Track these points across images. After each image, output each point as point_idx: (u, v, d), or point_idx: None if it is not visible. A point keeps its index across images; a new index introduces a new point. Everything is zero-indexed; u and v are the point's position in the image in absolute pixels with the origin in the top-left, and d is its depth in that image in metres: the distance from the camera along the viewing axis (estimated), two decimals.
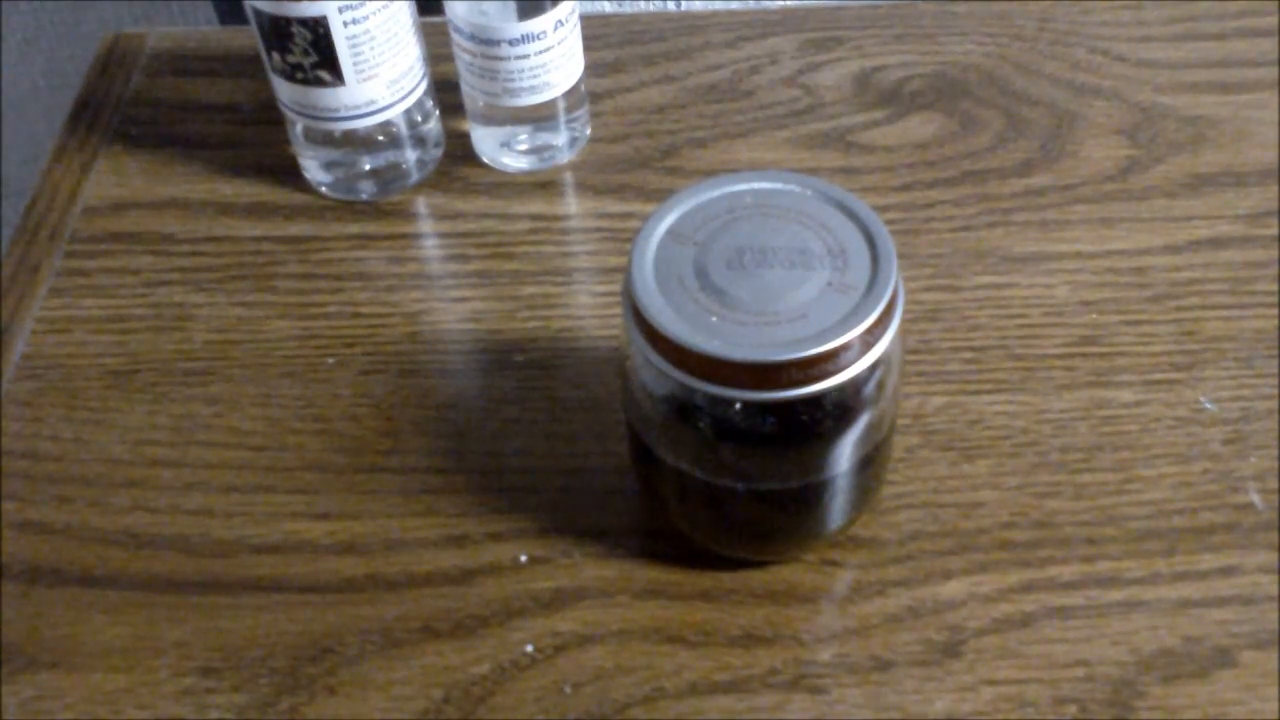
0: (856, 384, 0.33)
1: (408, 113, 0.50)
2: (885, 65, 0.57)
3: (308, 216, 0.51)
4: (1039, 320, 0.45)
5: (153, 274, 0.49)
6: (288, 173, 0.53)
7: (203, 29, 0.63)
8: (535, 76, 0.49)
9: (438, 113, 0.52)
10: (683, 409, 0.34)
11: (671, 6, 0.84)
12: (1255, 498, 0.40)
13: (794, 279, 0.33)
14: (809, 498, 0.36)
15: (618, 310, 0.33)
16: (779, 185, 0.35)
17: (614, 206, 0.51)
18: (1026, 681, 0.36)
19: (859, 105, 0.55)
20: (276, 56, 0.47)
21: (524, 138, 0.52)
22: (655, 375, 0.33)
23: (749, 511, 0.37)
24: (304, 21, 0.45)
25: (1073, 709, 0.35)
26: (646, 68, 0.57)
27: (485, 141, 0.53)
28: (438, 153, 0.53)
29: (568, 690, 0.36)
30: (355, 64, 0.47)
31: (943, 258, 0.48)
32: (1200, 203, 0.49)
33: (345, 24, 0.46)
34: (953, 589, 0.38)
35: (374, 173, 0.51)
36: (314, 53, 0.46)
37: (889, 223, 0.34)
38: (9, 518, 0.41)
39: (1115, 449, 0.41)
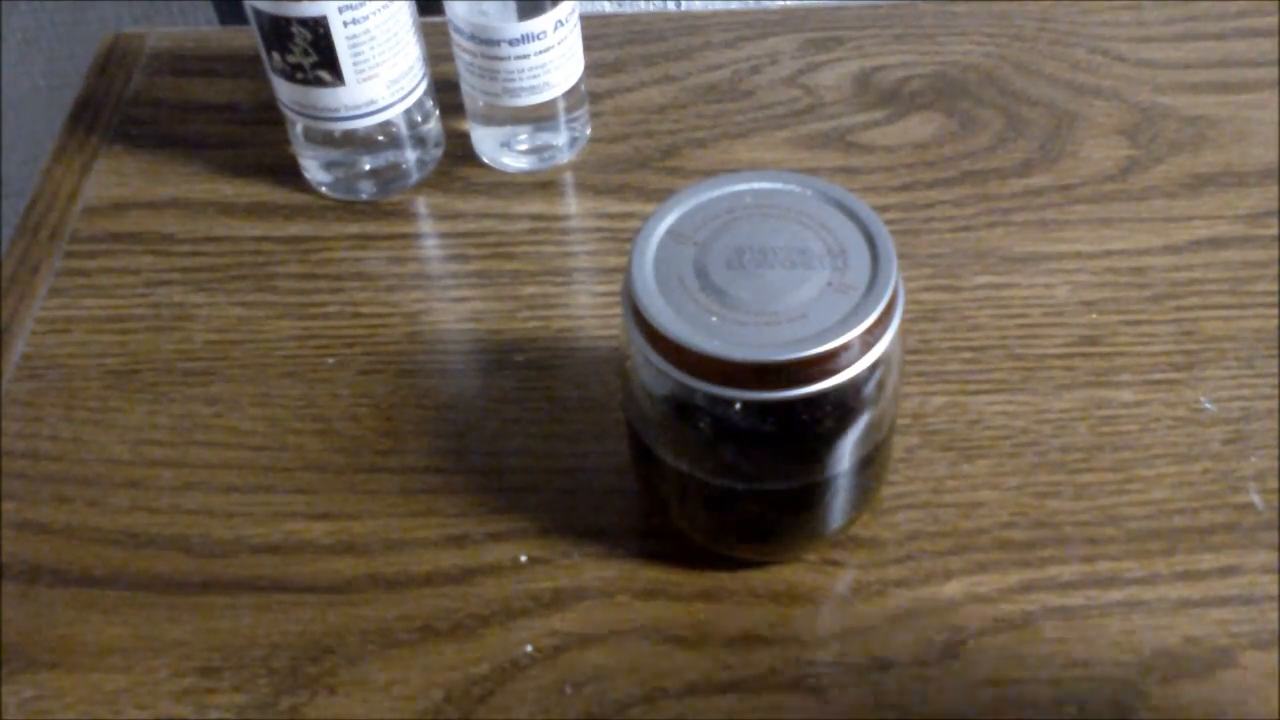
0: (856, 384, 0.33)
1: (408, 113, 0.50)
2: (885, 65, 0.57)
3: (308, 216, 0.51)
4: (1039, 320, 0.45)
5: (153, 274, 0.49)
6: (288, 173, 0.53)
7: (203, 29, 0.63)
8: (535, 76, 0.49)
9: (438, 113, 0.52)
10: (683, 409, 0.34)
11: (671, 6, 0.84)
12: (1255, 498, 0.40)
13: (794, 279, 0.33)
14: (809, 498, 0.36)
15: (618, 310, 0.33)
16: (779, 185, 0.35)
17: (614, 206, 0.51)
18: (1026, 681, 0.36)
19: (859, 105, 0.55)
20: (276, 56, 0.47)
21: (524, 138, 0.52)
22: (655, 375, 0.33)
23: (749, 511, 0.37)
24: (304, 21, 0.45)
25: (1073, 709, 0.35)
26: (646, 68, 0.57)
27: (485, 141, 0.53)
28: (438, 153, 0.53)
29: (568, 690, 0.36)
30: (355, 64, 0.47)
31: (943, 258, 0.48)
32: (1200, 203, 0.49)
33: (345, 24, 0.46)
34: (953, 589, 0.38)
35: (374, 173, 0.51)
36: (314, 53, 0.46)
37: (889, 223, 0.34)
38: (9, 518, 0.41)
39: (1115, 449, 0.41)
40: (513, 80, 0.49)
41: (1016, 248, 0.48)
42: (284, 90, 0.49)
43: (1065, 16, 0.59)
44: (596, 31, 0.58)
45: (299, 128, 0.50)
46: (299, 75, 0.47)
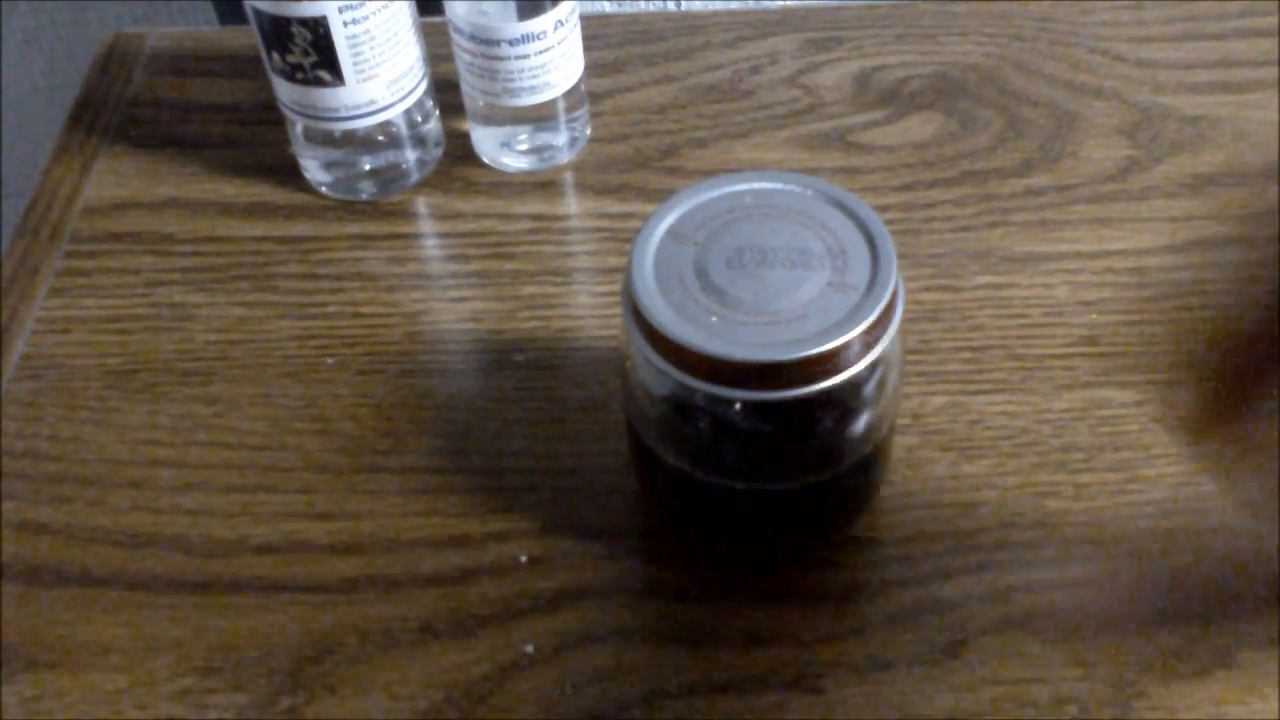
0: (856, 384, 0.33)
1: (408, 113, 0.50)
2: (885, 65, 0.57)
3: (308, 216, 0.51)
4: (1039, 320, 0.45)
5: (153, 274, 0.49)
6: (288, 173, 0.53)
7: (203, 29, 0.63)
8: (535, 76, 0.49)
9: (438, 113, 0.52)
10: (683, 409, 0.34)
11: (671, 6, 0.84)
12: None
13: (794, 279, 0.33)
14: (809, 498, 0.36)
15: (618, 310, 0.33)
16: (779, 185, 0.35)
17: (614, 206, 0.51)
18: (1026, 681, 0.36)
19: (859, 105, 0.55)
20: (276, 56, 0.47)
21: (524, 138, 0.52)
22: (655, 375, 0.33)
23: (749, 511, 0.37)
24: (304, 21, 0.45)
25: (1073, 709, 0.35)
26: (646, 68, 0.57)
27: (485, 141, 0.53)
28: (438, 153, 0.53)
29: (568, 690, 0.36)
30: (355, 64, 0.47)
31: (943, 258, 0.48)
32: (1200, 203, 0.49)
33: (345, 24, 0.46)
34: (953, 589, 0.38)
35: (374, 173, 0.51)
36: (314, 53, 0.46)
37: (889, 223, 0.34)
38: (9, 518, 0.41)
39: (1115, 449, 0.41)
40: (513, 80, 0.49)
41: (1016, 248, 0.48)
42: (284, 90, 0.49)
43: (1065, 16, 0.59)
44: (596, 31, 0.58)
45: (299, 128, 0.50)
46: (299, 75, 0.47)
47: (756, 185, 0.35)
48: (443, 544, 0.40)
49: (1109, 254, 0.48)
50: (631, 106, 0.55)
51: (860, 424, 0.34)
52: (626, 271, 0.33)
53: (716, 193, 0.35)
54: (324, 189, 0.52)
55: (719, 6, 0.65)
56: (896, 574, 0.39)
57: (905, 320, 0.33)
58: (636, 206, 0.51)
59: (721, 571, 0.39)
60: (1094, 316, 0.45)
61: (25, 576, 0.40)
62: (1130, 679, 0.36)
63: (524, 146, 0.52)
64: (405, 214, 0.51)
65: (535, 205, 0.51)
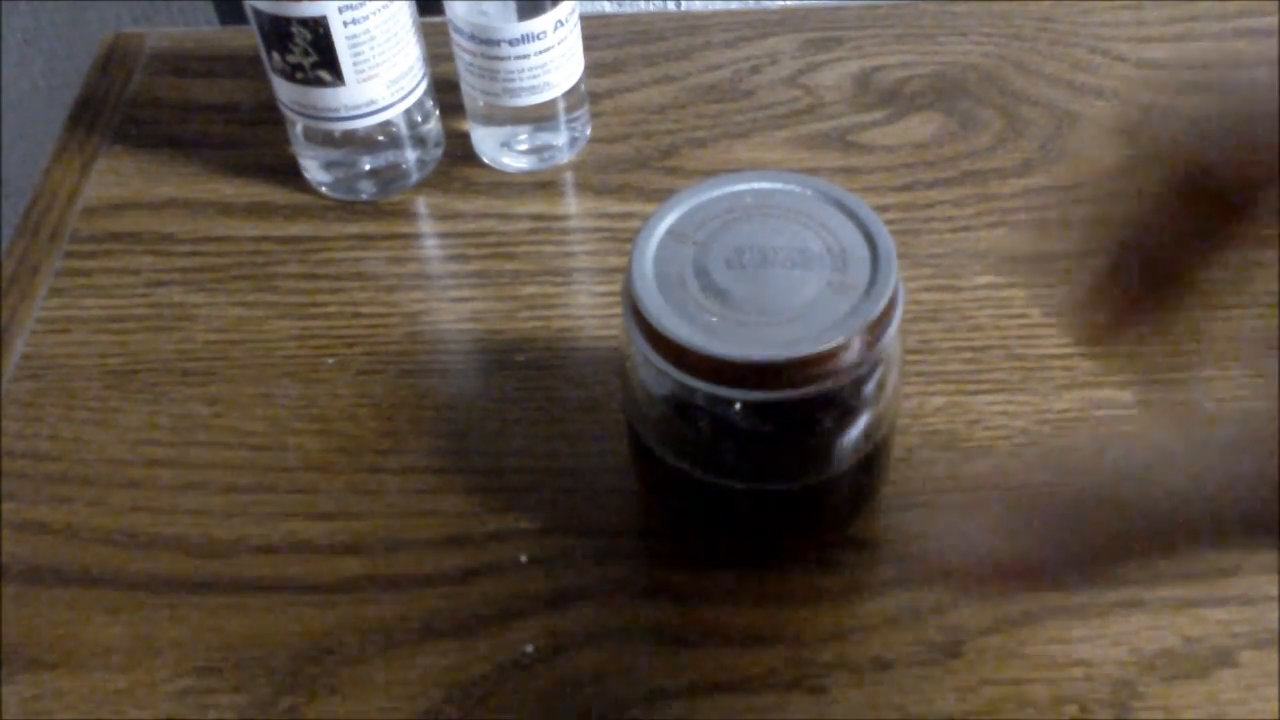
0: (856, 384, 0.33)
1: (408, 113, 0.50)
2: (885, 65, 0.57)
3: (308, 216, 0.51)
4: (1039, 320, 0.45)
5: (153, 274, 0.49)
6: (288, 173, 0.53)
7: (203, 29, 0.63)
8: (535, 76, 0.49)
9: (438, 113, 0.52)
10: (683, 409, 0.34)
11: (671, 6, 0.84)
12: None
13: (794, 279, 0.33)
14: (809, 498, 0.36)
15: (618, 310, 0.33)
16: (779, 185, 0.35)
17: (614, 206, 0.51)
18: (1026, 681, 0.36)
19: (859, 105, 0.55)
20: (276, 56, 0.47)
21: (524, 138, 0.52)
22: (655, 375, 0.33)
23: (749, 511, 0.37)
24: (304, 21, 0.45)
25: (1073, 709, 0.35)
26: (646, 68, 0.57)
27: (485, 141, 0.53)
28: (438, 153, 0.53)
29: (568, 690, 0.36)
30: (355, 64, 0.47)
31: (943, 258, 0.48)
32: None
33: (345, 24, 0.46)
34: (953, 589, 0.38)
35: (374, 173, 0.51)
36: (314, 53, 0.46)
37: (889, 223, 0.34)
38: (9, 518, 0.41)
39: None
40: (513, 80, 0.49)
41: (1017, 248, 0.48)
42: (284, 90, 0.49)
43: (1065, 16, 0.59)
44: (596, 31, 0.58)
45: (299, 128, 0.50)
46: (299, 75, 0.47)
47: (756, 185, 0.35)
48: (443, 544, 0.40)
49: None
50: (631, 106, 0.55)
51: (860, 424, 0.34)
52: (626, 271, 0.33)
53: (716, 193, 0.35)
54: (324, 189, 0.52)
55: (719, 6, 0.65)
56: (896, 574, 0.39)
57: (905, 320, 0.33)
58: (636, 206, 0.51)
59: (721, 571, 0.39)
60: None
61: (25, 576, 0.40)
62: (1130, 679, 0.36)
63: (524, 146, 0.52)
64: (405, 214, 0.51)
65: (535, 205, 0.51)
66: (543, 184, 0.52)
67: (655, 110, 0.55)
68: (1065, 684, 0.36)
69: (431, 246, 0.51)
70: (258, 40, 0.47)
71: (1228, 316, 0.27)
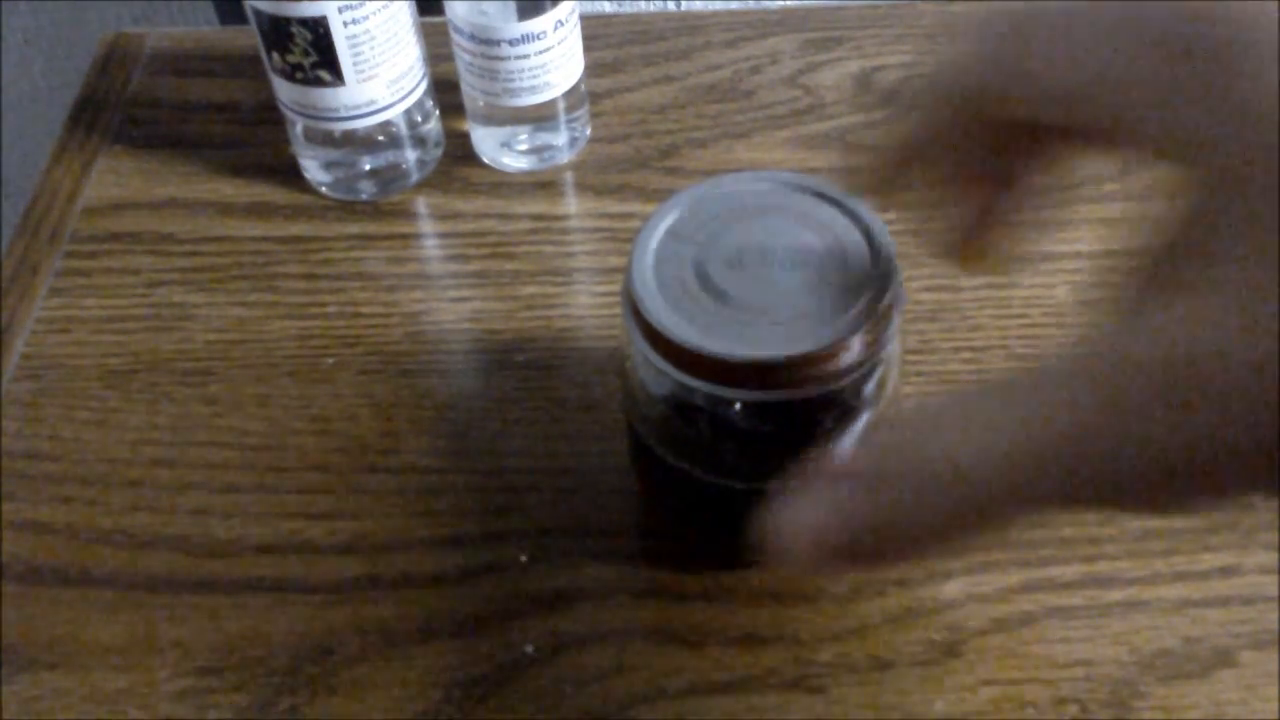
0: (856, 384, 0.33)
1: (408, 113, 0.50)
2: (885, 65, 0.56)
3: (308, 216, 0.51)
4: (1039, 320, 0.45)
5: (153, 274, 0.49)
6: (288, 173, 0.53)
7: (203, 29, 0.63)
8: (535, 76, 0.49)
9: (438, 113, 0.52)
10: (683, 409, 0.34)
11: (671, 6, 0.84)
12: (1255, 498, 0.40)
13: (794, 279, 0.33)
14: None
15: (618, 310, 0.33)
16: (779, 185, 0.35)
17: (614, 206, 0.51)
18: (1026, 681, 0.36)
19: (859, 105, 0.55)
20: (276, 56, 0.47)
21: (524, 138, 0.52)
22: (655, 375, 0.34)
23: (748, 511, 0.37)
24: (304, 21, 0.45)
25: (1073, 709, 0.35)
26: (646, 68, 0.57)
27: (485, 141, 0.53)
28: (438, 153, 0.53)
29: (568, 690, 0.36)
30: (355, 64, 0.47)
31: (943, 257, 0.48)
32: None
33: (345, 24, 0.46)
34: (953, 589, 0.38)
35: (374, 173, 0.51)
36: (314, 53, 0.46)
37: (889, 223, 0.34)
38: (9, 518, 0.41)
39: None
40: (513, 80, 0.49)
41: (1017, 248, 0.48)
42: (284, 90, 0.49)
43: None
44: (596, 31, 0.58)
45: (299, 128, 0.50)
46: (299, 75, 0.47)
47: (756, 185, 0.35)
48: (443, 544, 0.40)
49: (1109, 254, 0.48)
50: (631, 106, 0.55)
51: (860, 424, 0.34)
52: (626, 271, 0.33)
53: (716, 193, 0.35)
54: (324, 189, 0.52)
55: (719, 6, 0.65)
56: (896, 574, 0.39)
57: (905, 320, 0.33)
58: (636, 206, 0.51)
59: (721, 571, 0.39)
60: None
61: (25, 576, 0.40)
62: (1130, 679, 0.36)
63: (524, 146, 0.52)
64: (405, 214, 0.51)
65: (535, 205, 0.51)
66: (543, 184, 0.52)
67: (655, 110, 0.55)
68: (1065, 684, 0.36)
69: (431, 246, 0.51)
70: (258, 40, 0.47)
71: None
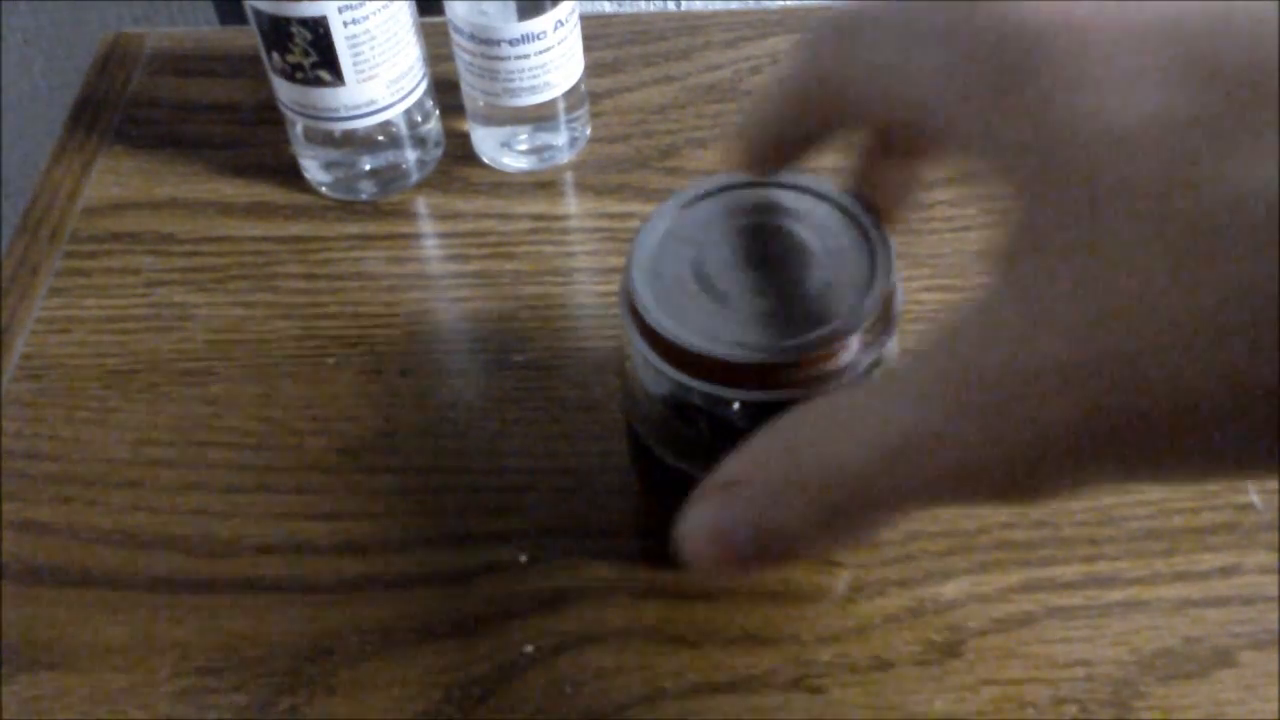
0: (855, 384, 0.33)
1: (408, 113, 0.50)
2: None
3: (308, 216, 0.51)
4: None
5: (153, 274, 0.49)
6: (288, 173, 0.53)
7: (203, 29, 0.63)
8: (535, 76, 0.49)
9: (438, 113, 0.52)
10: (682, 409, 0.34)
11: (671, 6, 0.84)
12: (1255, 498, 0.40)
13: (794, 279, 0.32)
14: None
15: (617, 310, 0.33)
16: (779, 185, 0.35)
17: (614, 206, 0.51)
18: (1026, 681, 0.36)
19: None
20: (276, 56, 0.47)
21: (524, 138, 0.52)
22: (655, 375, 0.33)
23: None
24: (304, 21, 0.45)
25: (1073, 709, 0.35)
26: (646, 68, 0.57)
27: (485, 141, 0.53)
28: (438, 153, 0.53)
29: (568, 690, 0.36)
30: (355, 64, 0.47)
31: (943, 258, 0.48)
32: None
33: (345, 24, 0.46)
34: (953, 589, 0.38)
35: (374, 173, 0.51)
36: (314, 53, 0.46)
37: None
38: (9, 518, 0.41)
39: None
40: (513, 80, 0.49)
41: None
42: (284, 90, 0.49)
43: None
44: (596, 31, 0.58)
45: (299, 128, 0.50)
46: (299, 75, 0.47)
47: (756, 185, 0.35)
48: (443, 544, 0.40)
49: None
50: (631, 106, 0.55)
51: None
52: (626, 271, 0.33)
53: (716, 193, 0.35)
54: (324, 189, 0.52)
55: (719, 6, 0.65)
56: (896, 574, 0.39)
57: (905, 320, 0.33)
58: (636, 206, 0.51)
59: None
60: None
61: (25, 576, 0.40)
62: (1130, 679, 0.36)
63: (524, 146, 0.52)
64: (405, 214, 0.51)
65: (535, 205, 0.51)
66: (543, 184, 0.52)
67: (655, 110, 0.55)
68: (1065, 684, 0.36)
69: (431, 246, 0.51)
70: (258, 40, 0.47)
71: None
